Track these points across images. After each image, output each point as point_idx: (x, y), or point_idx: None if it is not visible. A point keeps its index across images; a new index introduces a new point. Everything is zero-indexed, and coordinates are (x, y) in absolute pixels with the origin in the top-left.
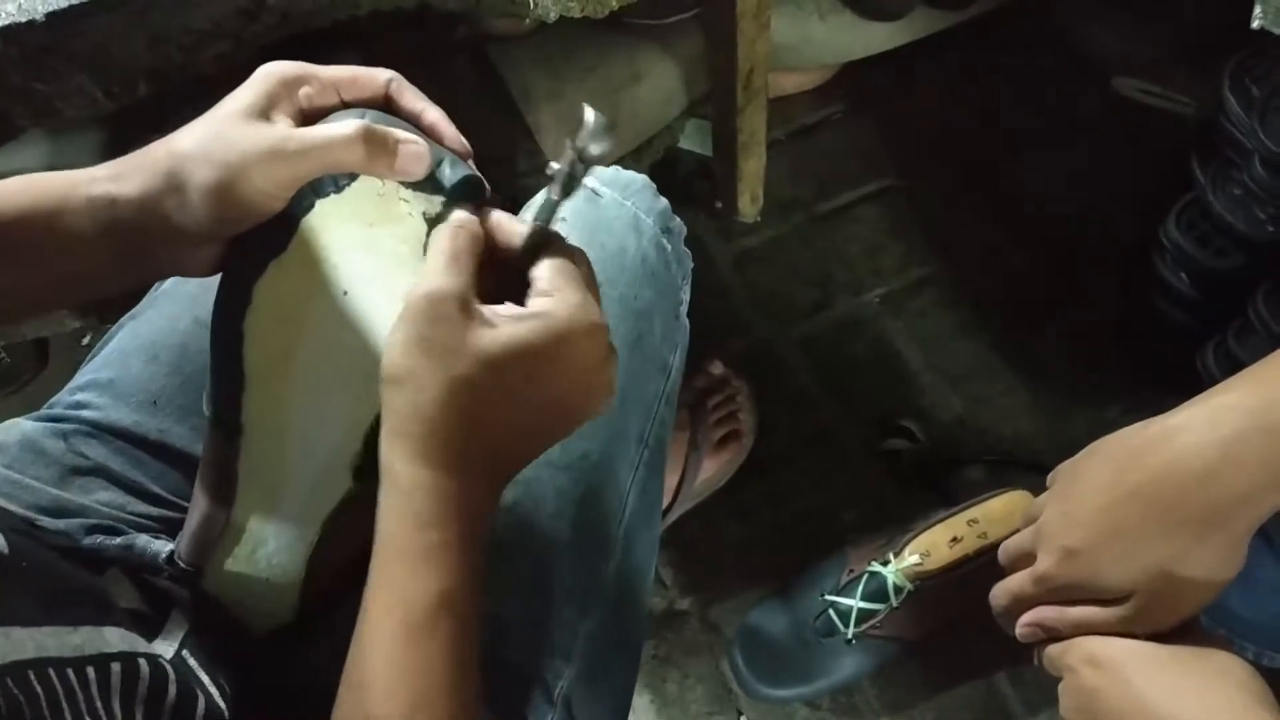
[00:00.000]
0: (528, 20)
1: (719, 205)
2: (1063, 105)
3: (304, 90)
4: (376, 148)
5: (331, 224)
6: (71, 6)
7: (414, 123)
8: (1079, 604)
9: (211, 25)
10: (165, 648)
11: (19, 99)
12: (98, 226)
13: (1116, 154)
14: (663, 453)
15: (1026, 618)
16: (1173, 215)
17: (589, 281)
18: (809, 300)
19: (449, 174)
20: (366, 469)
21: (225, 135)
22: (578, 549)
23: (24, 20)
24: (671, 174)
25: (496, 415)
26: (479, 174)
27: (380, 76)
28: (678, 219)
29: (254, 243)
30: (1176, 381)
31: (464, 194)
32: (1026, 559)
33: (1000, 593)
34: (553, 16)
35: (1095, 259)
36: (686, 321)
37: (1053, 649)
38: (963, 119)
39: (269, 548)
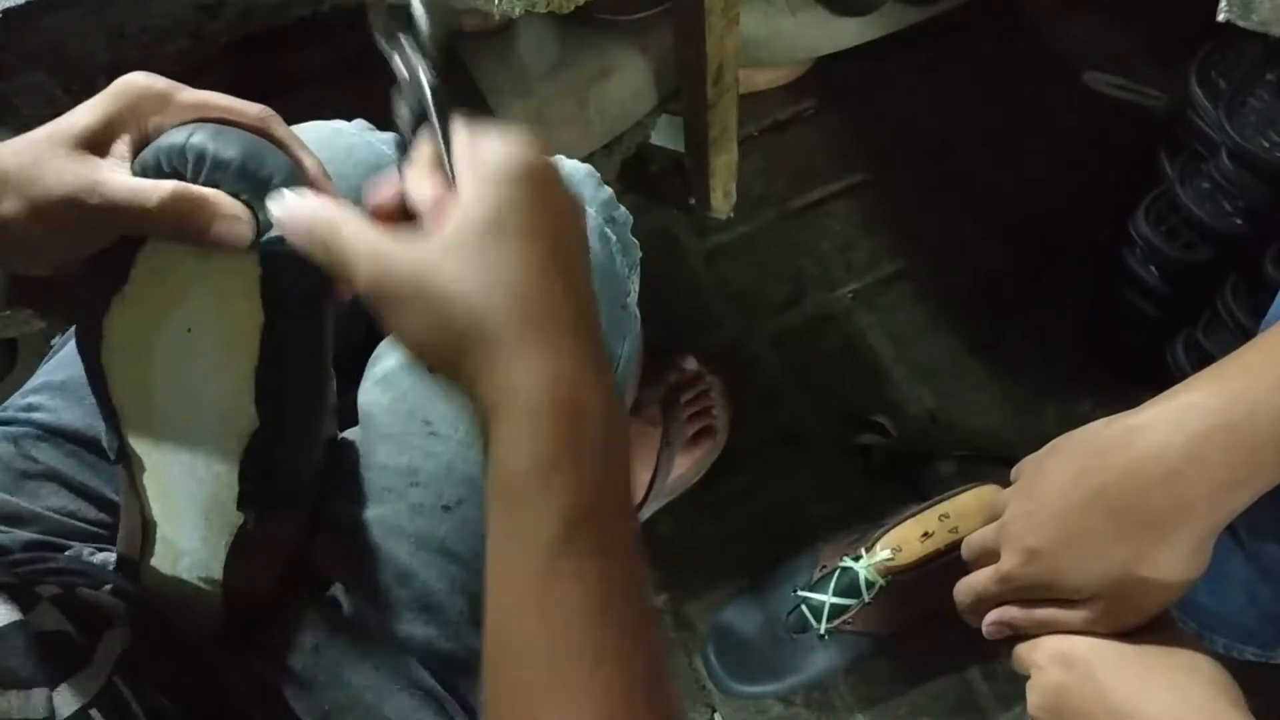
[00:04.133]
0: (495, 16)
1: (692, 201)
2: (1033, 100)
3: (154, 120)
4: (190, 215)
5: (166, 257)
6: (28, 3)
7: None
8: (1043, 603)
9: (170, 22)
10: (70, 702)
11: None
12: None
13: (1087, 148)
14: None
15: (992, 616)
16: (1141, 209)
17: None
18: (781, 296)
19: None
20: (250, 498)
21: (39, 163)
22: None
23: None
24: (644, 170)
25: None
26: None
27: (251, 110)
28: (622, 208)
29: (95, 275)
30: (1146, 374)
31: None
32: (990, 555)
33: (964, 589)
34: (518, 12)
35: (1065, 253)
36: (636, 311)
37: (1020, 647)
38: (934, 114)
39: (186, 560)
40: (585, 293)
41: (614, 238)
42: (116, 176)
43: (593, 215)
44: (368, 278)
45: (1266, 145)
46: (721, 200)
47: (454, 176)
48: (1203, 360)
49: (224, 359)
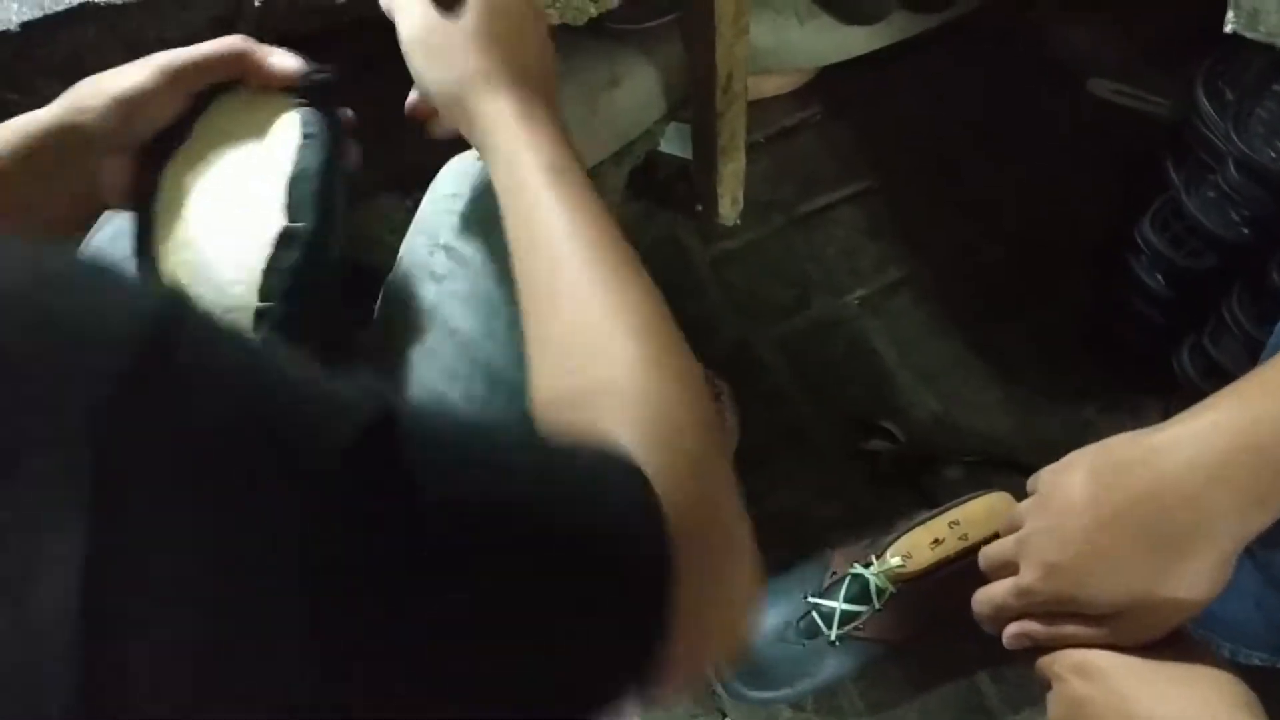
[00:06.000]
0: None
1: (699, 208)
2: (1038, 106)
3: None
4: (252, 51)
5: (222, 115)
6: (46, 16)
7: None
8: (1064, 617)
9: (187, 34)
10: None
11: None
12: (16, 151)
13: (1091, 155)
14: None
15: (1013, 629)
16: (1148, 217)
17: None
18: (787, 302)
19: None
20: (270, 293)
21: (110, 74)
22: None
23: None
24: (650, 176)
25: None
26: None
27: (222, 45)
28: None
29: (162, 138)
30: (1151, 381)
31: (314, 93)
32: (1008, 567)
33: (982, 600)
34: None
35: (1070, 259)
36: None
37: (1042, 659)
38: (940, 121)
39: None
40: (544, 67)
41: None
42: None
43: None
44: (408, 27)
45: (1274, 155)
46: (729, 207)
47: None
48: (1209, 367)
49: (265, 171)
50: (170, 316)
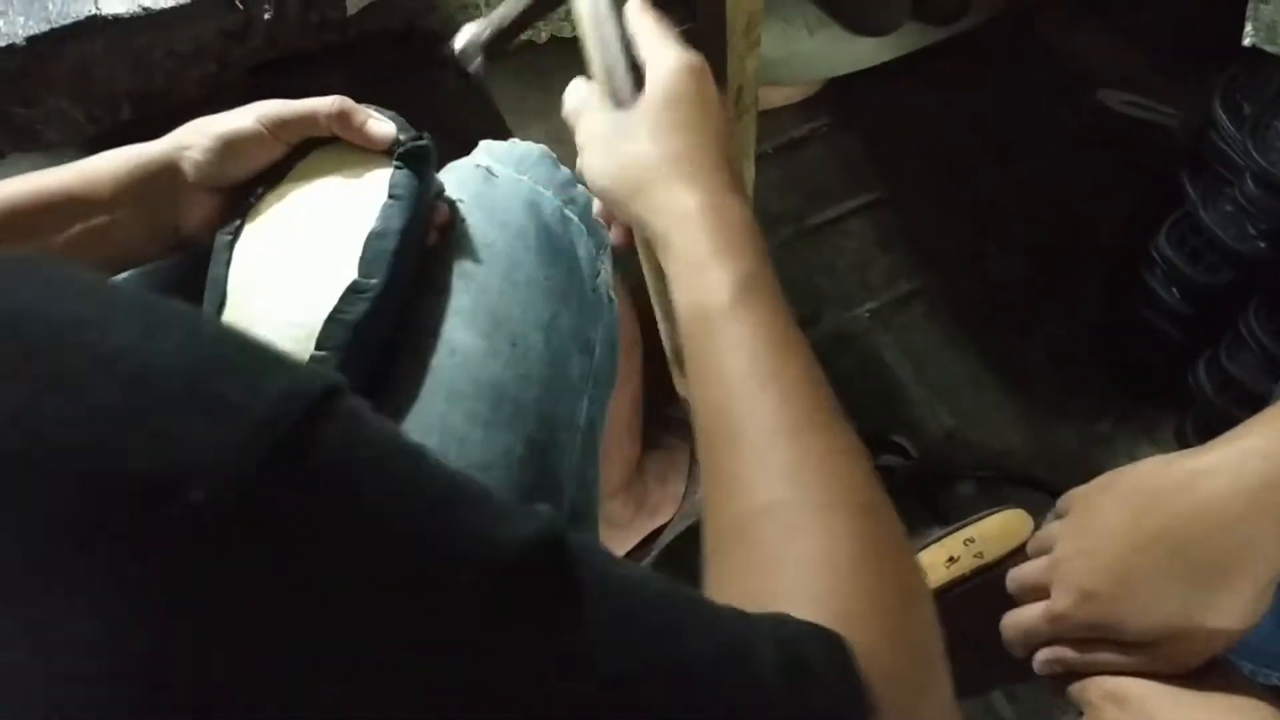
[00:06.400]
0: (543, 38)
1: None
2: (1048, 117)
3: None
4: (351, 112)
5: (319, 160)
6: (52, 30)
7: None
8: (1097, 643)
9: (195, 48)
10: None
11: None
12: (125, 178)
13: (1102, 166)
14: (596, 436)
15: (1045, 654)
16: (1164, 230)
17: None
18: (797, 315)
19: (401, 139)
20: (326, 343)
21: (210, 120)
22: None
23: (3, 45)
24: None
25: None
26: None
27: (324, 104)
28: (580, 187)
29: (260, 175)
30: (1165, 395)
31: (411, 159)
32: (1039, 591)
33: (1011, 624)
34: (543, 37)
35: (1082, 271)
36: (610, 295)
37: (1074, 685)
38: (948, 131)
39: None
40: (725, 152)
41: (574, 218)
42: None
43: (549, 199)
44: (585, 126)
45: None
46: None
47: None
48: (1225, 382)
49: (346, 223)
50: (322, 408)
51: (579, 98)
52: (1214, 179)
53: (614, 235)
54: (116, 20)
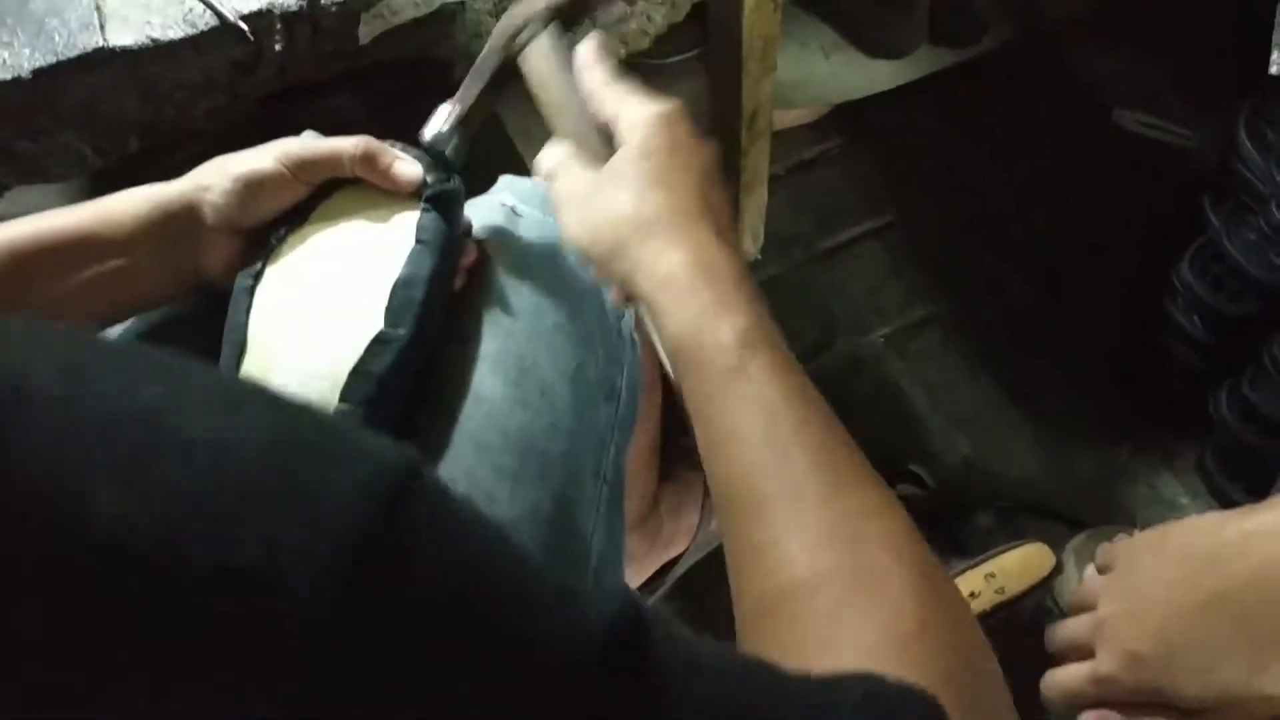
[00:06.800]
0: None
1: None
2: (1062, 138)
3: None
4: (378, 154)
5: (343, 202)
6: (59, 62)
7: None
8: (1145, 708)
9: (205, 79)
10: None
11: (4, 158)
12: (145, 218)
13: (1117, 187)
14: (623, 484)
15: (1089, 717)
16: (1185, 259)
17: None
18: (811, 340)
19: (428, 181)
20: (350, 395)
21: (231, 158)
22: None
23: (9, 78)
24: None
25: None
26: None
27: (346, 144)
28: None
29: (282, 216)
30: (1186, 423)
31: (439, 202)
32: (1082, 650)
33: (1053, 684)
34: None
35: (1100, 294)
36: (633, 337)
37: None
38: (960, 152)
39: None
40: (708, 199)
41: None
42: (313, 140)
43: None
44: (560, 187)
45: None
46: (750, 243)
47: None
48: (1246, 412)
49: (372, 269)
50: (408, 489)
51: (554, 158)
52: (1237, 206)
53: (612, 295)
54: (124, 52)
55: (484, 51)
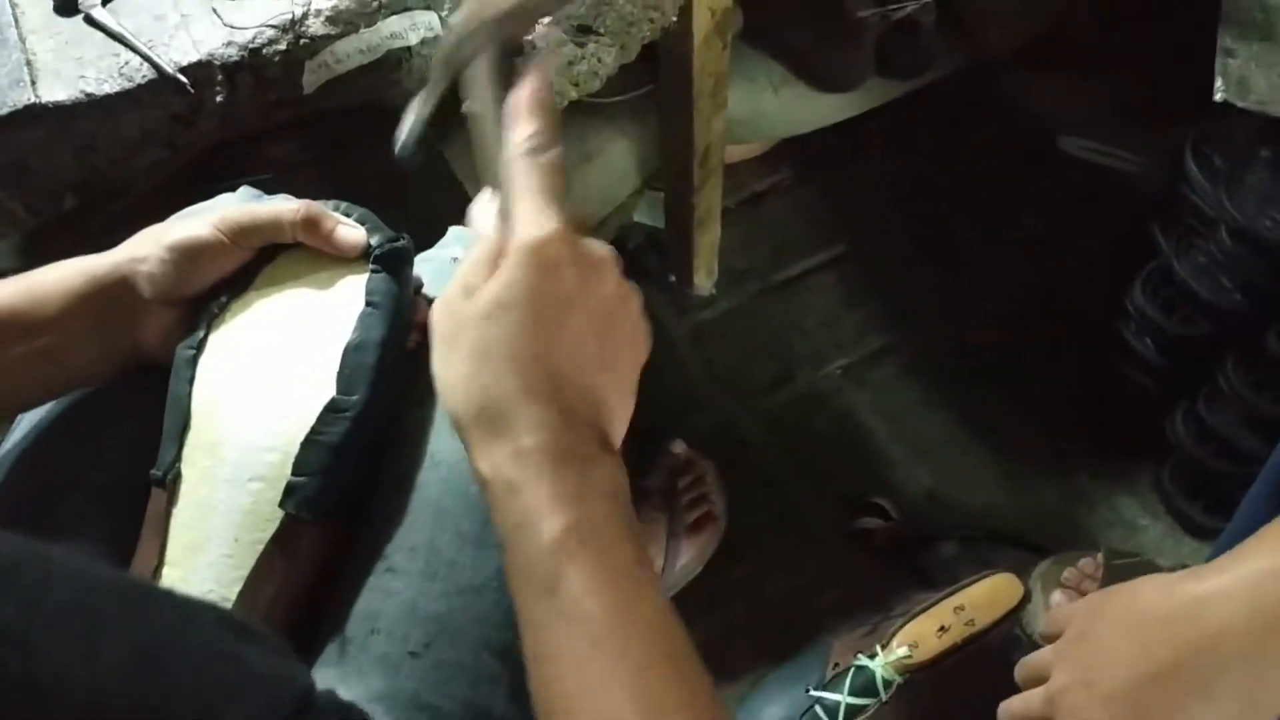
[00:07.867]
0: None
1: (672, 279)
2: (1010, 165)
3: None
4: (320, 219)
5: (286, 267)
6: None
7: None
8: None
9: (143, 134)
10: None
11: None
12: (75, 294)
13: (1067, 212)
14: None
15: None
16: (1137, 283)
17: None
18: (769, 375)
19: (375, 242)
20: (294, 490)
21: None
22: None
23: None
24: (621, 247)
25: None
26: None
27: (287, 209)
28: None
29: (222, 284)
30: (1144, 446)
31: (388, 262)
32: None
33: None
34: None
35: (1054, 320)
36: None
37: None
38: (911, 182)
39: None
40: (569, 362)
41: None
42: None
43: None
44: (435, 317)
45: (1269, 223)
46: (704, 278)
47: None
48: (1203, 433)
49: (320, 334)
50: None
51: (483, 218)
52: (1187, 231)
53: None
54: (57, 108)
55: (431, 74)
